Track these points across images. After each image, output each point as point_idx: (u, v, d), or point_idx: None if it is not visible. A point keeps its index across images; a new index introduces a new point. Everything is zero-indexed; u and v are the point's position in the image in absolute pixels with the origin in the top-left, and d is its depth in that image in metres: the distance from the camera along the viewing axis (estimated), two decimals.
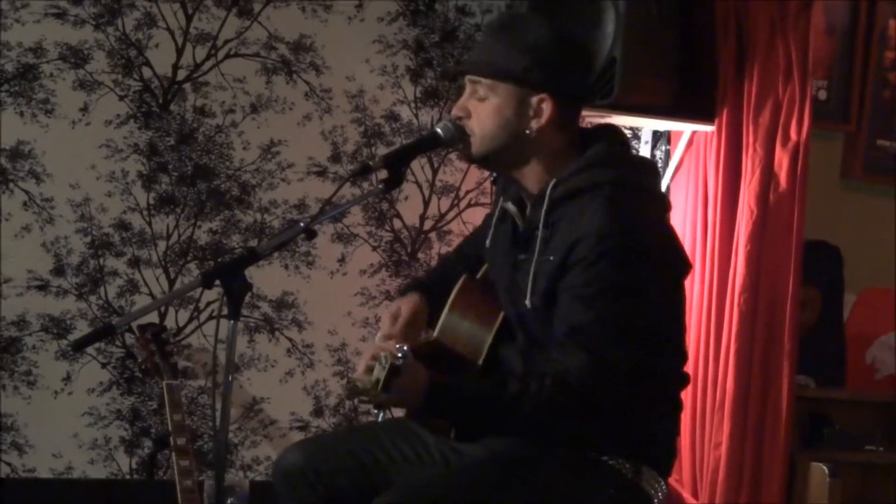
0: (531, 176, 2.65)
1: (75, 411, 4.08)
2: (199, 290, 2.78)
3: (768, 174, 3.75)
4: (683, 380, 2.72)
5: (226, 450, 2.99)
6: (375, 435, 2.79)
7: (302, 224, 2.54)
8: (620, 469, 2.58)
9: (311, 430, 4.26)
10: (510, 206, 2.71)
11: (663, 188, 3.91)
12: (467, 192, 4.39)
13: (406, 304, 2.82)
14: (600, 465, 2.57)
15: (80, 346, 2.60)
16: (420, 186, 4.36)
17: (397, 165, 2.65)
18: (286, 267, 4.24)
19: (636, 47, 3.59)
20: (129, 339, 4.08)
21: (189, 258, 4.17)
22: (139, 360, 4.09)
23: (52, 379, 4.07)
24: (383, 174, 2.66)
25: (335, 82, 4.26)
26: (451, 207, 4.39)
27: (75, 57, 4.05)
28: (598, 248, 2.48)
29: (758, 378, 3.74)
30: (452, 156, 4.35)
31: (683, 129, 3.98)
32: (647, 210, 2.63)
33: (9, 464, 4.04)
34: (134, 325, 3.70)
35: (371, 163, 2.65)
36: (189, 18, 4.14)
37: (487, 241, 2.80)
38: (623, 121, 3.78)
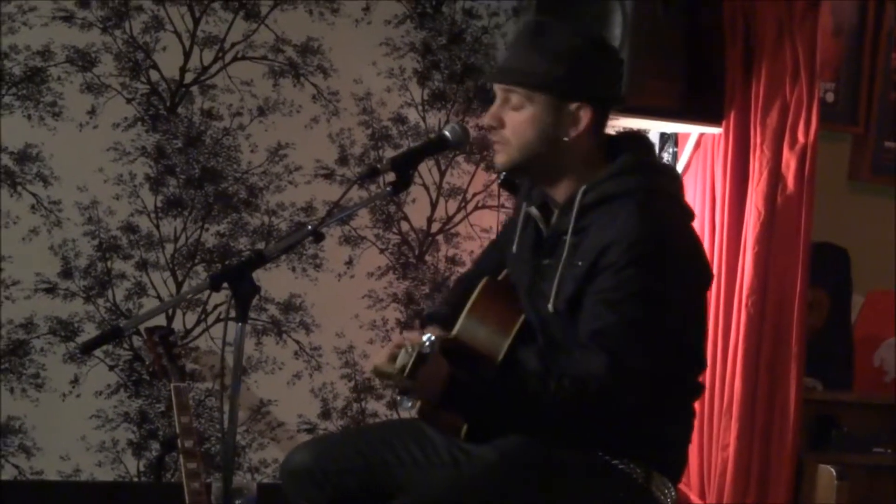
0: (561, 182, 2.65)
1: (83, 414, 4.09)
2: (207, 292, 2.76)
3: (776, 176, 3.74)
4: (699, 389, 2.72)
5: (233, 452, 2.98)
6: (384, 435, 2.80)
7: (310, 227, 2.54)
8: (631, 474, 2.59)
9: (319, 432, 4.26)
10: (534, 211, 2.71)
11: None
12: (475, 195, 4.39)
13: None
14: (611, 469, 2.58)
15: (87, 348, 2.61)
16: (427, 189, 4.36)
17: (405, 168, 2.66)
18: (294, 269, 4.24)
19: (643, 49, 3.58)
20: (137, 341, 4.08)
21: (197, 261, 4.17)
22: (147, 363, 4.09)
23: (60, 381, 4.07)
24: (391, 177, 2.67)
25: (342, 85, 4.26)
26: (459, 210, 4.39)
27: (83, 60, 4.05)
28: (628, 253, 2.48)
29: (765, 380, 3.73)
30: (460, 158, 4.35)
31: (691, 131, 3.97)
32: (677, 218, 2.64)
33: (17, 466, 4.04)
34: (142, 327, 3.71)
35: (379, 165, 2.66)
36: (196, 21, 4.14)
37: (514, 247, 2.79)
38: (631, 123, 3.78)
